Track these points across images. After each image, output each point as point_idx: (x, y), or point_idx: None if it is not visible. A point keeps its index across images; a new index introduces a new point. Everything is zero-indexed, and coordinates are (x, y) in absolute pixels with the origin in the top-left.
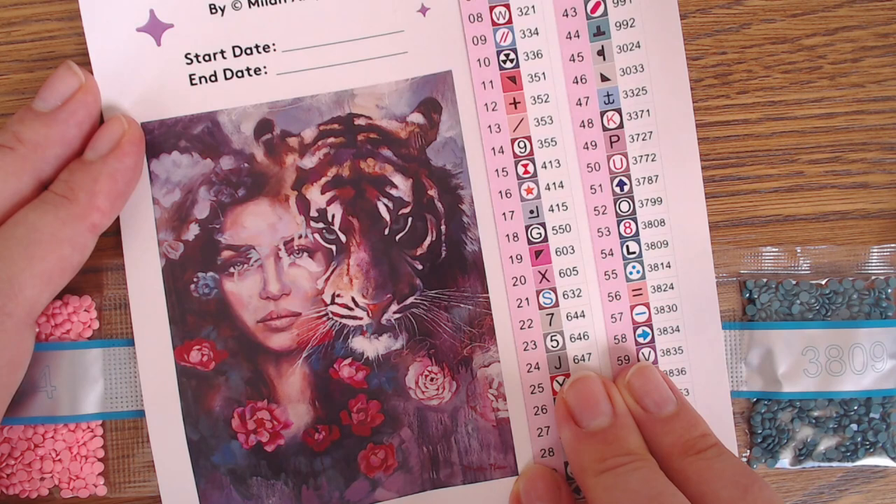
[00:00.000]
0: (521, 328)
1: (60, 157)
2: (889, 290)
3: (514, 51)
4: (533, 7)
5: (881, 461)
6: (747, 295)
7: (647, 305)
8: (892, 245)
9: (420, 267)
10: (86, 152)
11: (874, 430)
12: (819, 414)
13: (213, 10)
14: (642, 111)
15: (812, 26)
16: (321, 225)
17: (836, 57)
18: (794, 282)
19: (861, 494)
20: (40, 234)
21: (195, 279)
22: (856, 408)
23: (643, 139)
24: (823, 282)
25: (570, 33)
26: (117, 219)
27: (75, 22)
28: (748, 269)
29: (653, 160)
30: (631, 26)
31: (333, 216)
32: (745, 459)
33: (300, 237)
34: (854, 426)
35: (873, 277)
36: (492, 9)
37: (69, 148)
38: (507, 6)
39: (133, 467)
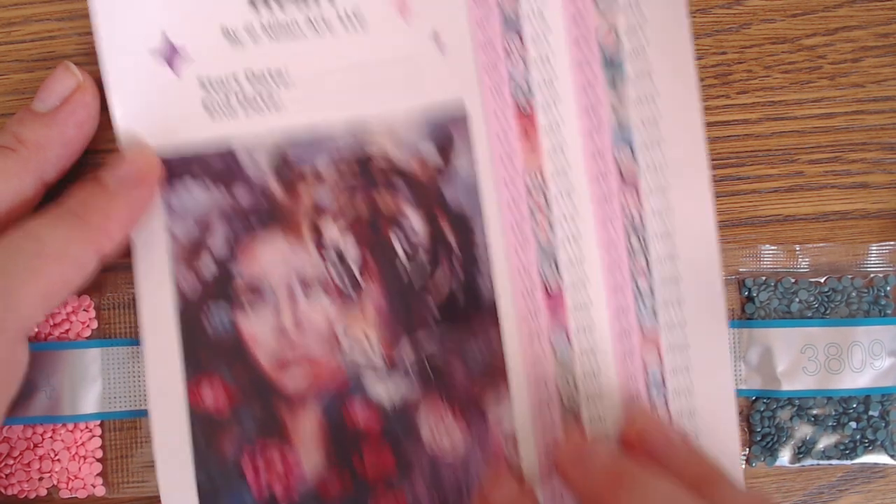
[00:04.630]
0: (534, 372)
1: (62, 158)
2: (888, 288)
3: (527, 80)
4: (544, 35)
5: (880, 458)
6: (746, 293)
7: (658, 348)
8: (891, 243)
9: (435, 309)
10: (105, 177)
11: (873, 427)
12: (818, 412)
13: (230, 39)
14: (654, 142)
15: (812, 26)
16: (336, 261)
17: (836, 57)
18: (792, 280)
19: (861, 494)
20: (48, 249)
21: (208, 314)
22: (855, 406)
23: (655, 170)
24: (822, 280)
25: (581, 61)
26: (129, 248)
27: (75, 22)
28: (747, 268)
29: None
30: (642, 53)
31: (348, 252)
32: (744, 457)
33: (315, 273)
34: (853, 424)
35: (872, 275)
36: (504, 37)
37: (70, 148)
38: (520, 34)
39: (131, 467)
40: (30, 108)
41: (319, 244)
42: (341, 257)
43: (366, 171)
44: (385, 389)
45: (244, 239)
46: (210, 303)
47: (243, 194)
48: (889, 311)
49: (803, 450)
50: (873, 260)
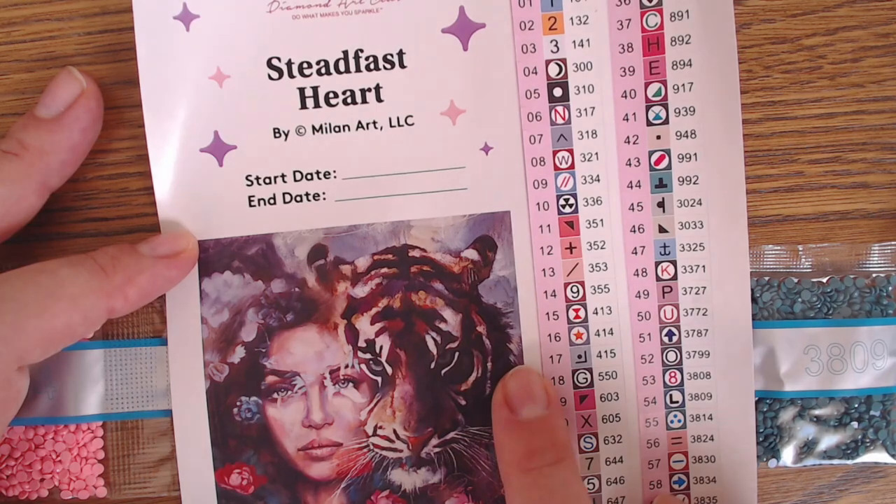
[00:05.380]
0: None
1: (66, 163)
2: (889, 288)
3: (574, 196)
4: (596, 154)
5: (880, 458)
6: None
7: (685, 454)
8: (893, 243)
9: (464, 402)
10: (142, 246)
11: (874, 427)
12: (820, 412)
13: (277, 135)
14: (697, 266)
15: (812, 26)
16: (368, 356)
17: (836, 57)
18: (795, 280)
19: (861, 494)
20: (63, 291)
21: (238, 403)
22: (857, 405)
23: (696, 293)
24: (825, 280)
25: (631, 182)
26: (166, 333)
27: (75, 22)
28: (750, 268)
29: (704, 314)
30: (694, 183)
31: (381, 348)
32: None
33: (346, 367)
34: (855, 424)
35: (874, 275)
36: (555, 153)
37: (74, 153)
38: (571, 151)
39: (133, 468)
40: (34, 113)
41: (353, 341)
42: (374, 354)
43: (405, 271)
44: (410, 480)
45: (278, 332)
46: (240, 391)
47: (280, 287)
48: (891, 311)
49: (805, 450)
50: (875, 260)
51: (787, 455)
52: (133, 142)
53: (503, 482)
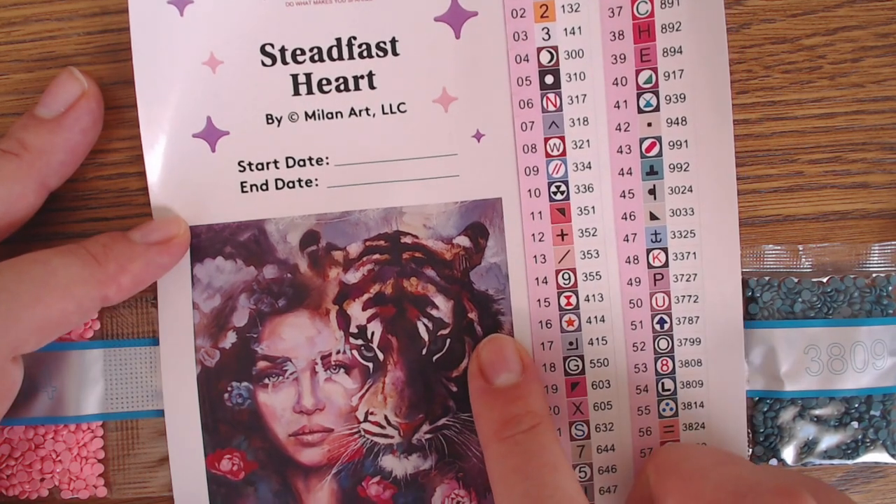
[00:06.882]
0: None
1: (65, 164)
2: (889, 288)
3: (566, 183)
4: (587, 141)
5: (881, 457)
6: (749, 293)
7: (677, 442)
8: (894, 243)
9: (455, 389)
10: (133, 234)
11: (875, 427)
12: (821, 412)
13: (270, 121)
14: (688, 253)
15: (812, 26)
16: (360, 342)
17: (836, 57)
18: (795, 280)
19: (861, 494)
20: (56, 280)
21: (229, 388)
22: (857, 405)
23: (687, 280)
24: (825, 280)
25: (622, 170)
26: (157, 322)
27: (75, 22)
28: (750, 268)
29: (695, 301)
30: (685, 170)
31: (373, 334)
32: (746, 458)
33: (338, 353)
34: (855, 424)
35: (874, 275)
36: (546, 140)
37: (74, 154)
38: (563, 138)
39: (133, 468)
40: (34, 113)
41: (345, 327)
42: (366, 340)
43: (397, 258)
44: (401, 467)
45: (270, 317)
46: (231, 377)
47: (272, 273)
48: (891, 311)
49: (806, 450)
50: (875, 259)
51: (788, 455)
52: (132, 142)
53: (483, 451)
